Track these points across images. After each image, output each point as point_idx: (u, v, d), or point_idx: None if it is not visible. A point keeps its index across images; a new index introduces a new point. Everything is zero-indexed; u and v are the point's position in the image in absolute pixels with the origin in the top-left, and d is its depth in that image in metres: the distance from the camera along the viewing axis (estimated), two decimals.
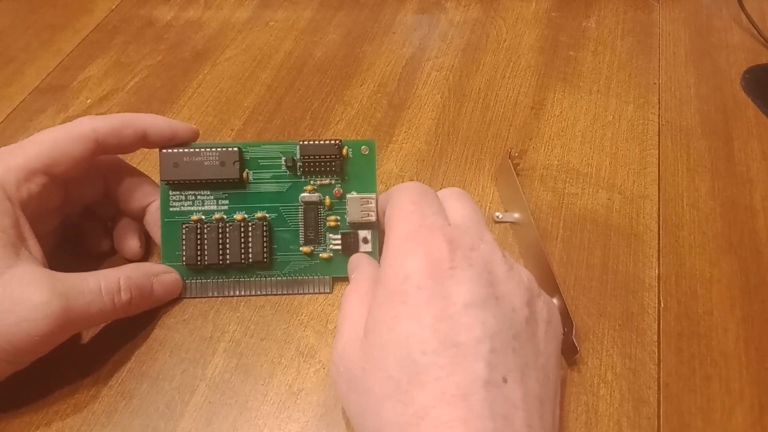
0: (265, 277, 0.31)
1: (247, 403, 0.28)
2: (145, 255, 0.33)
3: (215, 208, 0.31)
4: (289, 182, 0.31)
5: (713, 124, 0.40)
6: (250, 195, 0.31)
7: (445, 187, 0.29)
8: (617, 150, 0.38)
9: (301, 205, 0.31)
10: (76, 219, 0.32)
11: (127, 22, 0.49)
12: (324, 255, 0.31)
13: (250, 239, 0.31)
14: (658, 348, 0.29)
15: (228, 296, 0.31)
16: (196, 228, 0.31)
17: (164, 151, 0.30)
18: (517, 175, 0.34)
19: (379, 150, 0.38)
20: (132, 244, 0.32)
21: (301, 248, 0.31)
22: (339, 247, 0.31)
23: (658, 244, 0.34)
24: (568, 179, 0.37)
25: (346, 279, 0.31)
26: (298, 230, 0.31)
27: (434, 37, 0.47)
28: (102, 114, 0.34)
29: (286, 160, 0.31)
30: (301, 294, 0.31)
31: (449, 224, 0.25)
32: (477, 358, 0.21)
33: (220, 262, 0.31)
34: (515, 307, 0.23)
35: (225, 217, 0.31)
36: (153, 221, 0.31)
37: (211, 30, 0.48)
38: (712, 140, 0.39)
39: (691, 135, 0.40)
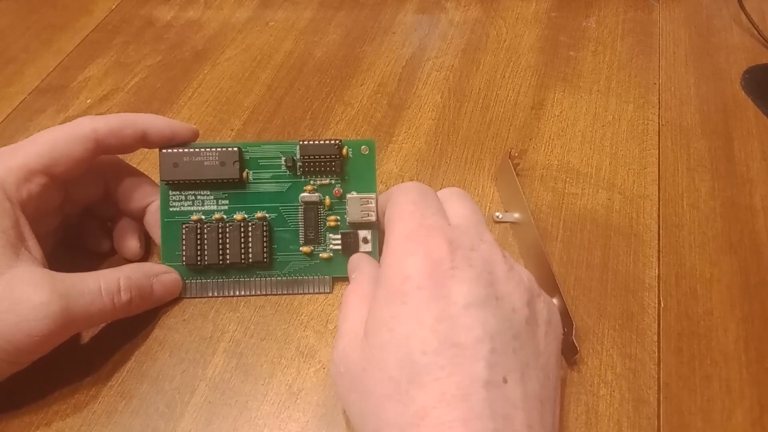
0: (265, 277, 0.31)
1: (247, 403, 0.28)
2: (145, 255, 0.33)
3: (215, 208, 0.31)
4: (289, 182, 0.31)
5: (713, 124, 0.40)
6: (250, 195, 0.31)
7: (445, 187, 0.29)
8: (617, 150, 0.38)
9: (301, 205, 0.31)
10: (76, 219, 0.32)
11: (127, 22, 0.49)
12: (324, 255, 0.31)
13: (250, 239, 0.31)
14: (658, 348, 0.29)
15: (228, 296, 0.31)
16: (196, 228, 0.31)
17: (164, 151, 0.30)
18: (517, 175, 0.34)
19: (379, 150, 0.38)
20: (132, 244, 0.32)
21: (301, 248, 0.31)
22: (339, 247, 0.31)
23: (658, 244, 0.34)
24: (568, 179, 0.37)
25: (346, 279, 0.31)
26: (298, 230, 0.31)
27: (434, 37, 0.47)
28: (102, 114, 0.34)
29: (286, 160, 0.31)
30: (301, 294, 0.31)
31: (449, 224, 0.25)
32: (477, 359, 0.21)
33: (220, 262, 0.31)
34: (515, 307, 0.23)
35: (225, 217, 0.31)
36: (153, 221, 0.31)
37: (211, 30, 0.48)
38: (712, 140, 0.39)
39: (691, 135, 0.40)
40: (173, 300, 0.31)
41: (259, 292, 0.31)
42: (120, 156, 0.32)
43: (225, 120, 0.41)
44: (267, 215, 0.31)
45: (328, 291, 0.32)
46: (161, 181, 0.30)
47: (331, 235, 0.31)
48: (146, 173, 0.33)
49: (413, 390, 0.21)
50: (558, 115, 0.41)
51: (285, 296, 0.31)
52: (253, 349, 0.29)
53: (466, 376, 0.21)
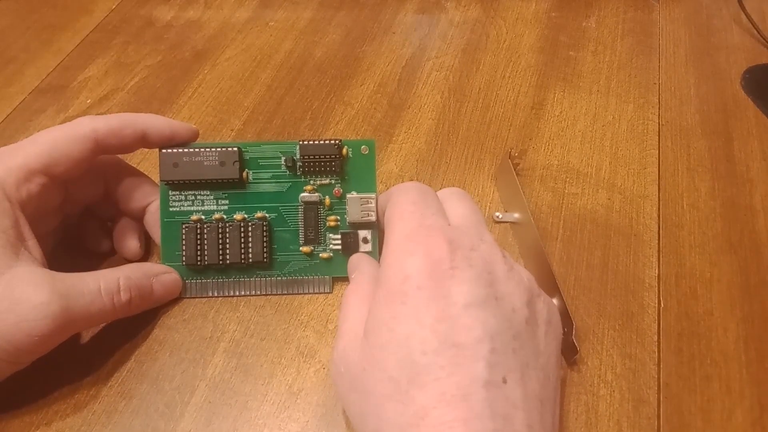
0: (265, 277, 0.31)
1: (247, 403, 0.28)
2: (145, 255, 0.33)
3: (215, 208, 0.31)
4: (289, 182, 0.31)
5: (713, 124, 0.40)
6: (249, 195, 0.31)
7: (445, 187, 0.29)
8: (617, 150, 0.38)
9: (301, 205, 0.31)
10: (76, 219, 0.32)
11: (127, 22, 0.49)
12: (324, 255, 0.31)
13: (250, 239, 0.31)
14: (658, 348, 0.29)
15: (228, 296, 0.31)
16: (196, 228, 0.31)
17: (164, 151, 0.30)
18: (517, 175, 0.34)
19: (379, 150, 0.38)
20: (132, 244, 0.32)
21: (301, 248, 0.31)
22: (339, 247, 0.31)
23: (658, 244, 0.33)
24: (568, 179, 0.37)
25: (346, 279, 0.31)
26: (298, 230, 0.31)
27: (434, 37, 0.47)
28: (102, 114, 0.34)
29: (285, 160, 0.31)
30: (301, 294, 0.31)
31: (449, 224, 0.25)
32: (477, 359, 0.21)
33: (220, 262, 0.31)
34: (515, 307, 0.23)
35: (225, 217, 0.31)
36: (153, 221, 0.31)
37: (211, 30, 0.48)
38: (712, 140, 0.39)
39: (691, 135, 0.40)
40: (173, 300, 0.31)
41: (259, 292, 0.31)
42: (120, 156, 0.32)
43: (225, 120, 0.41)
44: (267, 215, 0.31)
45: (328, 291, 0.32)
46: (161, 181, 0.30)
47: (331, 235, 0.31)
48: (146, 173, 0.33)
49: (413, 390, 0.21)
50: (558, 115, 0.41)
51: (285, 296, 0.31)
52: (253, 349, 0.29)
53: (466, 376, 0.21)
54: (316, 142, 0.30)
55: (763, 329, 0.30)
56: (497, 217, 0.35)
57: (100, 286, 0.27)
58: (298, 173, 0.31)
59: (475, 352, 0.21)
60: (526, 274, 0.25)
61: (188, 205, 0.31)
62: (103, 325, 0.30)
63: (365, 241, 0.31)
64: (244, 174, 0.31)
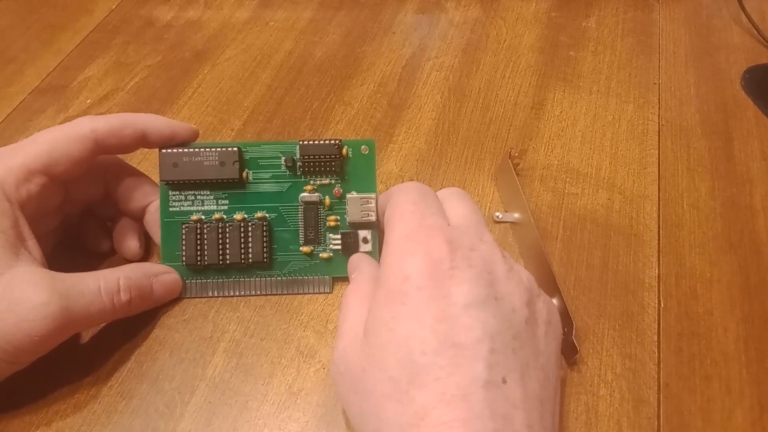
0: (265, 277, 0.31)
1: (247, 403, 0.28)
2: (145, 255, 0.33)
3: (215, 208, 0.31)
4: (289, 182, 0.31)
5: (713, 124, 0.40)
6: (249, 195, 0.31)
7: (445, 187, 0.29)
8: (617, 150, 0.38)
9: (300, 205, 0.31)
10: (76, 219, 0.32)
11: (127, 22, 0.49)
12: (324, 255, 0.31)
13: (250, 239, 0.31)
14: (658, 348, 0.29)
15: (228, 296, 0.31)
16: (196, 228, 0.31)
17: (164, 151, 0.30)
18: (517, 175, 0.34)
19: (379, 150, 0.38)
20: (132, 244, 0.32)
21: (301, 248, 0.31)
22: (339, 247, 0.31)
23: (658, 244, 0.33)
24: (568, 179, 0.37)
25: (346, 279, 0.31)
26: (298, 230, 0.31)
27: (434, 37, 0.47)
28: (102, 114, 0.34)
29: (285, 160, 0.31)
30: (301, 294, 0.31)
31: (449, 224, 0.25)
32: (477, 359, 0.21)
33: (220, 262, 0.31)
34: (515, 307, 0.23)
35: (225, 217, 0.31)
36: (153, 221, 0.31)
37: (211, 30, 0.48)
38: (712, 140, 0.39)
39: (691, 135, 0.40)
40: (173, 300, 0.31)
41: (259, 292, 0.31)
42: (120, 156, 0.32)
43: (225, 120, 0.41)
44: (267, 215, 0.31)
45: (328, 291, 0.32)
46: (161, 181, 0.30)
47: (331, 235, 0.31)
48: (146, 173, 0.33)
49: (413, 390, 0.21)
50: (558, 115, 0.41)
51: (285, 296, 0.31)
52: (253, 349, 0.29)
53: (466, 376, 0.21)
54: (316, 142, 0.30)
55: (763, 329, 0.30)
56: (497, 217, 0.35)
57: (100, 286, 0.27)
58: (298, 173, 0.31)
59: (475, 352, 0.21)
60: (526, 274, 0.25)
61: (188, 205, 0.31)
62: (103, 325, 0.30)
63: (365, 241, 0.31)
64: (244, 174, 0.31)
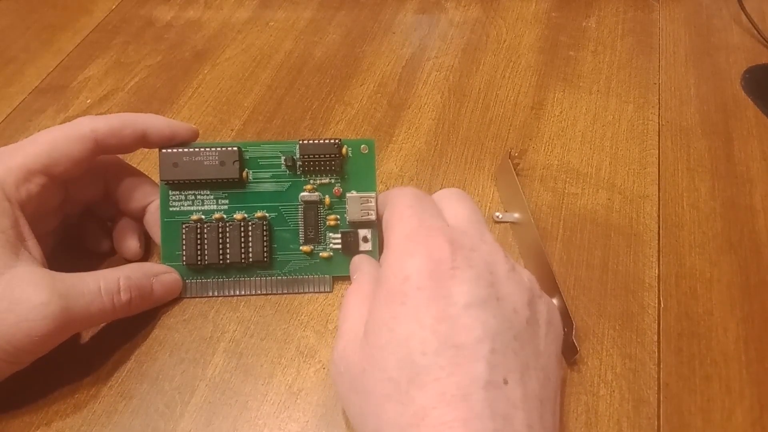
0: (265, 277, 0.31)
1: (247, 403, 0.28)
2: (145, 255, 0.33)
3: (215, 207, 0.31)
4: (289, 181, 0.31)
5: (713, 124, 0.40)
6: (249, 194, 0.31)
7: (444, 187, 0.29)
8: (617, 150, 0.38)
9: (300, 205, 0.31)
10: (76, 219, 0.32)
11: (127, 22, 0.49)
12: (324, 254, 0.31)
13: (250, 239, 0.31)
14: (658, 348, 0.29)
15: (228, 296, 0.31)
16: (196, 228, 0.31)
17: (164, 151, 0.30)
18: (517, 175, 0.34)
19: (379, 150, 0.38)
20: (132, 244, 0.32)
21: (301, 247, 0.31)
22: (339, 246, 0.31)
23: (658, 244, 0.33)
24: (568, 179, 0.37)
25: (346, 278, 0.31)
26: (298, 229, 0.31)
27: (434, 37, 0.47)
28: (102, 114, 0.34)
29: (285, 160, 0.31)
30: (301, 293, 0.31)
31: (448, 225, 0.25)
32: (477, 359, 0.21)
33: (220, 262, 0.31)
34: (516, 307, 0.23)
35: (225, 216, 0.31)
36: (153, 221, 0.31)
37: (211, 30, 0.48)
38: (712, 140, 0.39)
39: (691, 135, 0.40)
40: (173, 300, 0.31)
41: (259, 292, 0.31)
42: (120, 156, 0.32)
43: (225, 120, 0.41)
44: (267, 215, 0.31)
45: (328, 290, 0.32)
46: (161, 180, 0.30)
47: (331, 234, 0.31)
48: (146, 173, 0.33)
49: (413, 390, 0.21)
50: (558, 115, 0.41)
51: (285, 296, 0.31)
52: (253, 349, 0.29)
53: (466, 376, 0.21)
54: (316, 142, 0.30)
55: (763, 329, 0.30)
56: (497, 217, 0.35)
57: (100, 286, 0.27)
58: (298, 173, 0.31)
59: (476, 352, 0.21)
60: (527, 274, 0.25)
61: (188, 205, 0.31)
62: (103, 325, 0.30)
63: (365, 240, 0.31)
64: (244, 174, 0.31)
